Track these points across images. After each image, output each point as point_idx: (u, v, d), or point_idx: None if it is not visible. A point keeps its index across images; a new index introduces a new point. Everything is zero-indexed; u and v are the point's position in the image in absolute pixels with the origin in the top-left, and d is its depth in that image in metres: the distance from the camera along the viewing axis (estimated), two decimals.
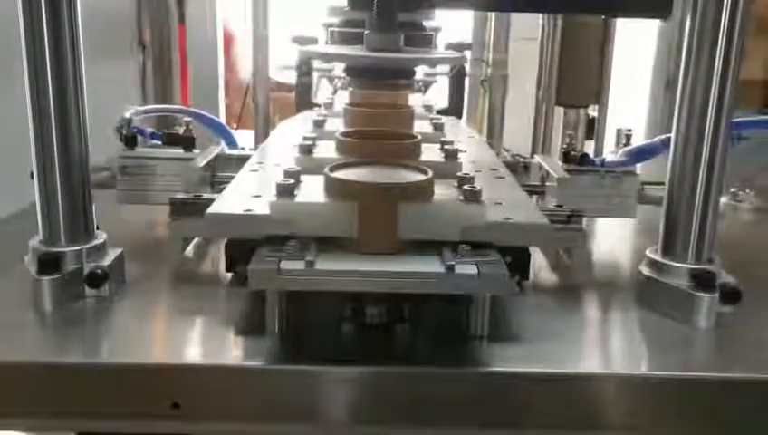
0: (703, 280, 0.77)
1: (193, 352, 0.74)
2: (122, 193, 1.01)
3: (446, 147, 0.94)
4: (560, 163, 1.05)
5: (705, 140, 0.77)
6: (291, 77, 1.56)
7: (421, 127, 1.09)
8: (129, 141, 1.01)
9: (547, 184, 1.05)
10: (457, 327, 0.74)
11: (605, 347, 0.79)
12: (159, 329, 0.79)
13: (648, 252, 0.83)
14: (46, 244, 0.78)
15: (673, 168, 0.81)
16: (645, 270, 0.82)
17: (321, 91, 1.62)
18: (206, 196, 0.89)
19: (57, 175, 0.77)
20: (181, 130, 1.06)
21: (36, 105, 0.75)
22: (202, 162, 1.01)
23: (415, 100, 1.29)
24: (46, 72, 0.74)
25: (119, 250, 0.83)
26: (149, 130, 1.06)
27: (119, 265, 0.82)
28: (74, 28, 0.75)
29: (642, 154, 1.01)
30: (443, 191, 0.78)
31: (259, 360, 0.69)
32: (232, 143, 1.22)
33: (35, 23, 0.73)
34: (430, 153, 0.93)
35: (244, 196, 0.80)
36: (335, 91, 1.49)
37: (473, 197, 0.75)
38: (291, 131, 1.13)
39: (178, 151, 1.04)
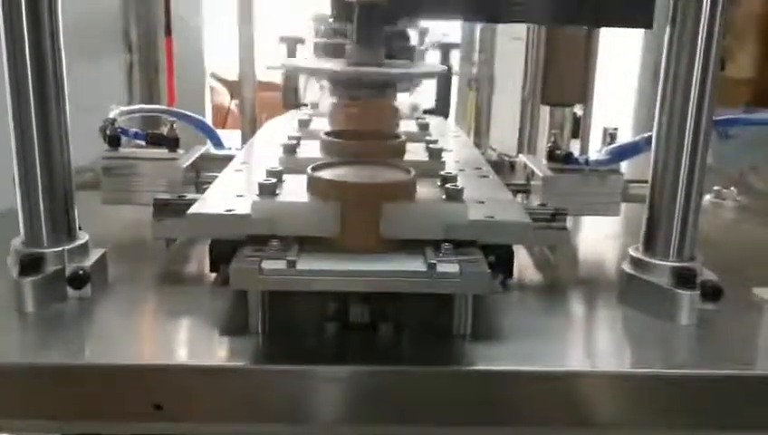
0: (684, 278, 0.77)
1: (175, 353, 0.74)
2: (107, 194, 1.00)
3: (430, 146, 0.94)
4: (544, 162, 1.05)
5: (687, 138, 0.78)
6: (278, 76, 1.56)
7: (407, 126, 1.09)
8: (113, 142, 1.00)
9: (532, 183, 1.05)
10: (441, 326, 0.74)
11: (588, 344, 0.79)
12: (142, 329, 0.78)
13: (630, 250, 0.83)
14: (28, 245, 0.78)
15: (655, 166, 0.81)
16: (627, 268, 0.83)
17: (309, 91, 1.62)
18: (189, 196, 0.89)
19: (38, 175, 0.76)
20: (165, 130, 1.05)
21: (17, 106, 0.75)
22: (186, 162, 1.01)
23: (401, 98, 1.29)
24: (26, 73, 0.74)
25: (101, 251, 0.82)
26: (133, 130, 1.05)
27: (101, 266, 0.82)
28: (55, 29, 0.75)
29: (625, 152, 1.00)
30: (425, 190, 0.78)
31: (242, 360, 0.69)
32: (218, 143, 1.22)
33: (15, 25, 0.72)
34: (415, 152, 0.93)
35: (227, 195, 0.80)
36: (322, 89, 1.49)
37: (455, 195, 0.75)
38: (276, 131, 1.13)
39: (163, 151, 1.03)
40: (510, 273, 0.80)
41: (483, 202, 0.80)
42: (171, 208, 0.86)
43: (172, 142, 1.03)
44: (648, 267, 0.80)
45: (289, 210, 0.73)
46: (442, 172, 0.82)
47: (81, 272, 0.77)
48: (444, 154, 0.93)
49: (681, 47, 0.76)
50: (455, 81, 1.58)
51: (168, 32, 1.62)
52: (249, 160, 0.99)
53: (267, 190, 0.75)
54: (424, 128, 1.11)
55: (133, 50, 1.57)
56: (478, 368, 0.69)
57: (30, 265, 0.75)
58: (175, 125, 1.06)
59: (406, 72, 0.93)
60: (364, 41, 0.84)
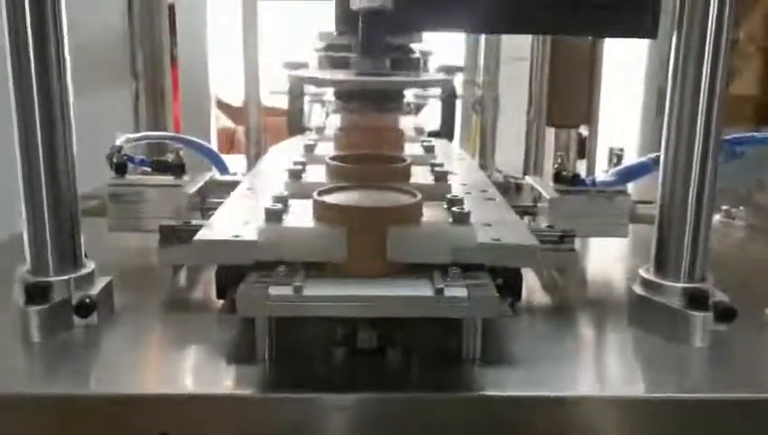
0: (696, 299, 0.77)
1: (182, 381, 0.73)
2: (112, 221, 1.00)
3: (435, 169, 0.93)
4: (551, 184, 1.05)
5: (695, 158, 0.77)
6: (283, 101, 1.57)
7: (412, 149, 1.09)
8: (120, 169, 1.01)
9: (539, 205, 1.05)
10: (450, 351, 0.73)
11: (599, 368, 0.78)
12: (149, 358, 0.78)
13: (640, 271, 0.83)
14: (34, 274, 0.78)
15: (664, 186, 0.81)
16: (638, 289, 0.82)
17: (314, 116, 1.62)
18: (195, 222, 0.89)
19: (45, 204, 0.76)
20: (171, 157, 1.06)
21: (23, 134, 0.75)
22: (192, 189, 1.01)
23: (406, 122, 1.29)
24: (33, 101, 0.74)
25: (107, 278, 0.82)
26: (139, 157, 1.05)
27: (107, 294, 0.82)
28: (61, 58, 0.75)
29: (632, 173, 1.00)
30: (432, 213, 0.77)
31: (249, 388, 0.68)
32: (223, 169, 1.22)
33: (22, 52, 0.73)
34: (420, 175, 0.93)
35: (233, 222, 0.80)
36: (327, 116, 1.49)
37: (462, 218, 0.75)
38: (281, 156, 1.13)
39: (169, 178, 1.03)
40: (518, 296, 0.79)
41: (490, 225, 0.80)
42: (177, 235, 0.86)
43: (178, 169, 1.04)
44: (660, 289, 0.79)
45: (295, 236, 0.73)
46: (448, 195, 0.81)
47: (87, 300, 0.77)
48: (449, 177, 0.93)
49: (688, 55, 0.75)
50: (458, 103, 1.58)
51: (174, 58, 1.63)
52: (255, 186, 0.98)
53: (273, 216, 0.74)
54: (429, 150, 1.11)
55: (139, 77, 1.58)
56: (488, 393, 0.68)
57: (36, 293, 0.75)
58: (181, 152, 1.06)
59: (411, 80, 0.93)
60: (368, 50, 0.83)
